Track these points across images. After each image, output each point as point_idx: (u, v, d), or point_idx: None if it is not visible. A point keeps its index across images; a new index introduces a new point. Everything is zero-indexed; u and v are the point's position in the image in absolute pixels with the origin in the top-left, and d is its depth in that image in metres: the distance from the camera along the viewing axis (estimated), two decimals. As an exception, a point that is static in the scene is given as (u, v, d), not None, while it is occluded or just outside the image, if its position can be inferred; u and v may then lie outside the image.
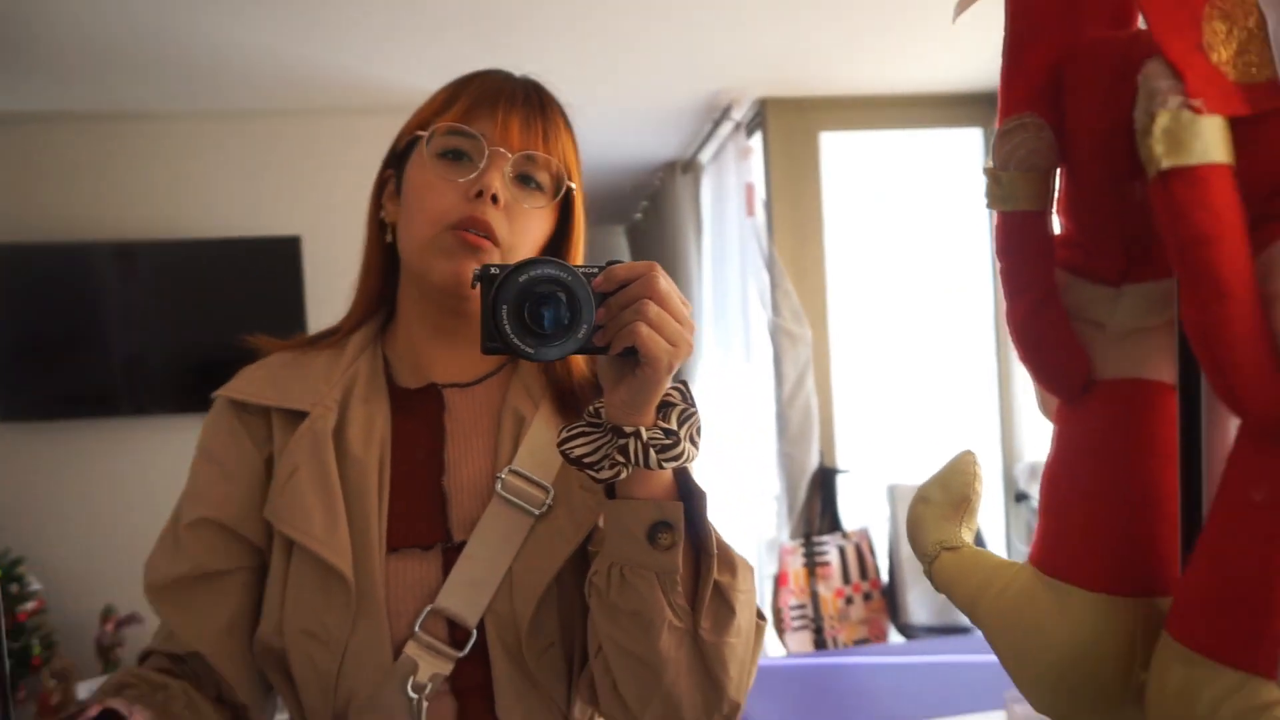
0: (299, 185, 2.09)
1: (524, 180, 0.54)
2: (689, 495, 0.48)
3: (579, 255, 0.58)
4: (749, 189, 2.05)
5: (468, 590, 0.53)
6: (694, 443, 0.48)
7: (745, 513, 2.21)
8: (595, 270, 0.45)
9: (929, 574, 0.43)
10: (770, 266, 2.02)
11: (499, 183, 0.52)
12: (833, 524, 2.04)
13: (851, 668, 1.56)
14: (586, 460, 0.46)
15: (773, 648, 1.90)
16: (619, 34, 1.60)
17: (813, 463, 2.06)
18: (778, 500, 2.14)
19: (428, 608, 0.51)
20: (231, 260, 2.03)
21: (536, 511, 0.53)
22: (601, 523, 0.50)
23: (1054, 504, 0.38)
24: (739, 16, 1.58)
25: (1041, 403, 0.43)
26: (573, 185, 0.55)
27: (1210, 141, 0.29)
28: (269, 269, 2.06)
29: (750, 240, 2.09)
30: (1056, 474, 0.39)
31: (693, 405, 0.50)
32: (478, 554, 0.53)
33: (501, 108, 0.53)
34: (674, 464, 0.46)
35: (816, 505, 2.06)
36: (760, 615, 0.53)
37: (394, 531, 0.53)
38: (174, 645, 0.54)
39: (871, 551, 2.00)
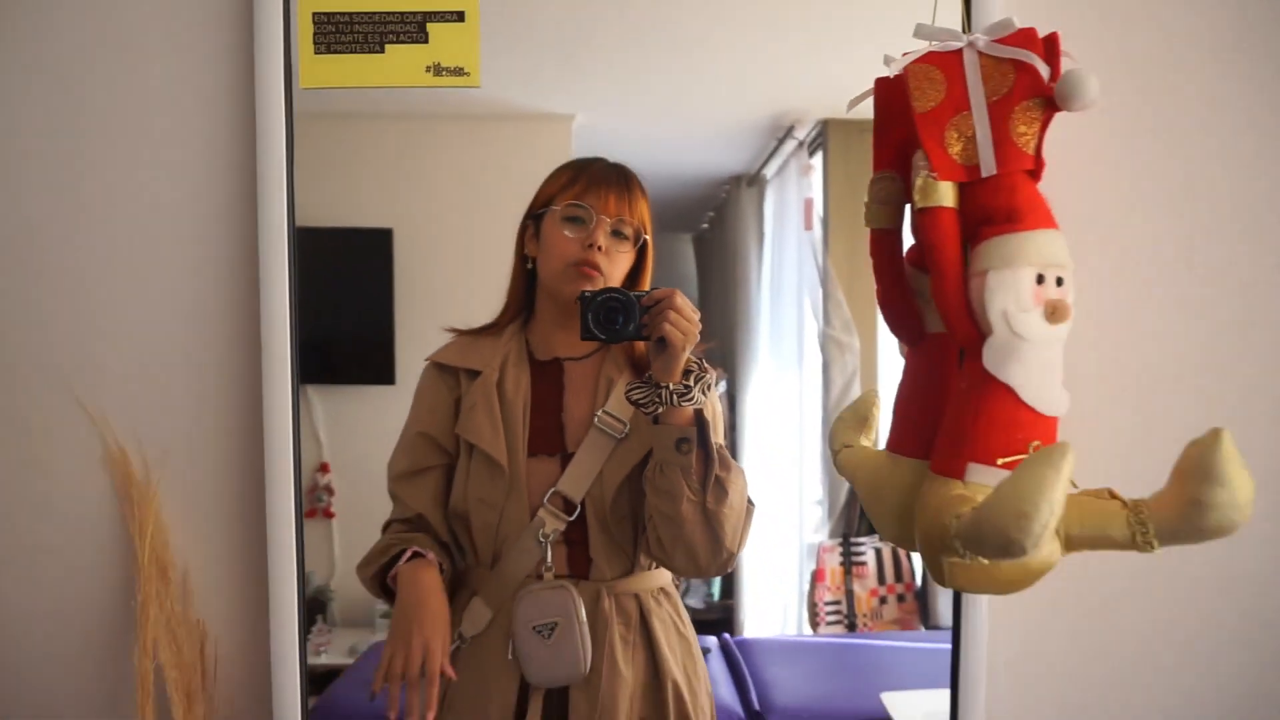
0: (393, 182, 2.47)
1: (617, 234, 1.02)
2: (701, 424, 0.94)
3: (648, 279, 1.06)
4: (808, 204, 2.35)
5: (575, 481, 1.00)
6: (703, 392, 0.91)
7: (791, 515, 2.48)
8: (642, 294, 0.94)
9: (835, 462, 0.76)
10: (824, 278, 2.31)
11: (602, 238, 1.00)
12: (871, 527, 2.30)
13: (878, 648, 1.83)
14: (641, 403, 0.94)
15: (804, 636, 2.17)
16: (693, 58, 1.94)
17: (855, 467, 2.32)
18: (820, 505, 2.41)
19: (551, 489, 0.99)
20: (329, 249, 2.41)
21: (618, 436, 1.00)
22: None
23: (896, 409, 0.71)
24: (805, 42, 1.90)
25: (899, 348, 0.76)
26: (647, 238, 1.04)
27: (943, 195, 0.61)
28: (362, 259, 2.44)
29: (807, 253, 2.39)
30: (900, 391, 0.71)
31: (704, 370, 0.98)
32: (582, 460, 1.00)
33: (603, 188, 1.02)
34: (690, 404, 0.93)
35: (857, 508, 2.33)
36: (750, 501, 1.01)
37: (532, 444, 1.01)
38: (405, 512, 1.03)
39: (908, 556, 2.24)
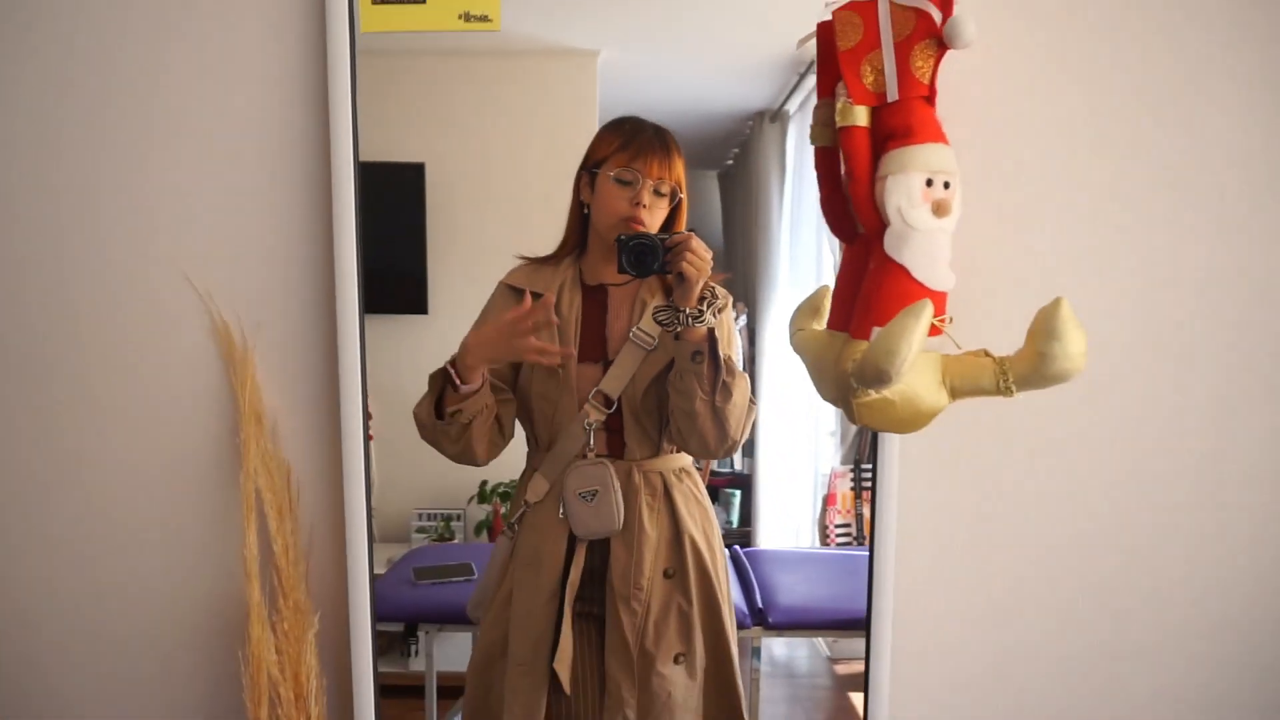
0: (425, 118, 2.64)
1: (657, 193, 1.32)
2: (712, 340, 1.25)
3: (681, 226, 1.35)
4: (827, 139, 2.51)
5: (614, 382, 1.32)
6: (714, 315, 1.26)
7: (805, 445, 2.69)
8: (665, 236, 1.24)
9: (791, 343, 0.97)
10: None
11: (646, 197, 1.30)
12: (881, 453, 2.50)
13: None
14: (664, 323, 1.27)
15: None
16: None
17: (867, 396, 2.52)
18: (833, 435, 2.61)
19: (595, 388, 1.31)
20: (365, 183, 2.60)
21: (648, 348, 1.32)
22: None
23: (835, 294, 0.91)
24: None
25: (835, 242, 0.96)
26: (682, 196, 1.34)
27: (857, 116, 0.82)
28: (395, 192, 2.64)
29: (827, 188, 2.55)
30: (838, 280, 0.92)
31: (716, 297, 1.28)
32: (619, 365, 1.32)
33: (648, 155, 1.32)
34: (703, 325, 1.24)
35: (867, 435, 2.53)
36: (751, 400, 1.34)
37: (581, 352, 1.33)
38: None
39: (915, 481, 2.45)
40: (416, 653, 1.66)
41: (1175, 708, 1.46)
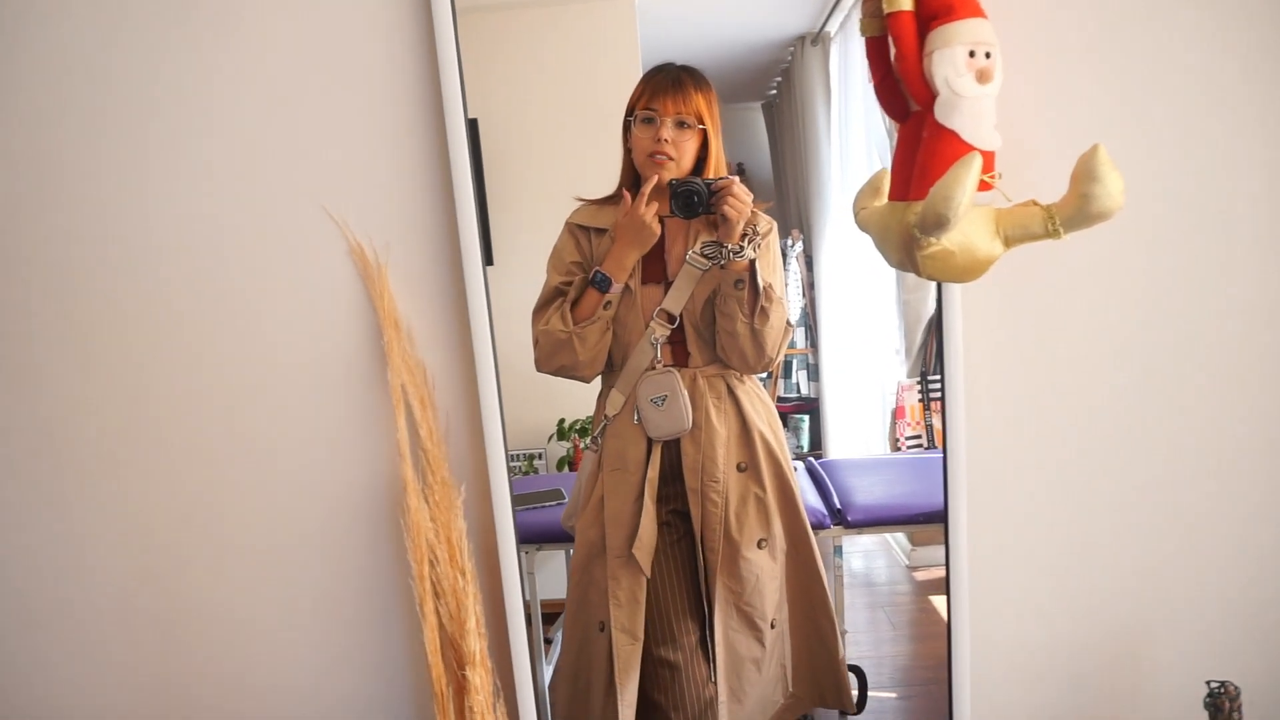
0: (472, 73, 2.77)
1: (679, 124, 1.49)
2: (753, 271, 1.46)
3: (713, 155, 1.53)
4: (870, 57, 2.60)
5: (675, 300, 1.51)
6: (754, 250, 1.46)
7: (870, 364, 2.81)
8: (711, 181, 1.46)
9: (856, 221, 1.11)
10: (889, 127, 2.58)
11: (666, 131, 1.48)
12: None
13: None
14: (710, 257, 1.48)
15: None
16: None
17: (929, 309, 2.62)
18: (897, 353, 2.72)
19: (658, 307, 1.51)
20: None
21: (703, 269, 1.50)
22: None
23: (893, 170, 1.05)
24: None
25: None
26: (704, 126, 1.50)
27: (903, 1, 0.94)
28: None
29: (873, 106, 2.65)
30: (895, 156, 1.06)
31: (756, 233, 1.48)
32: (678, 286, 1.52)
33: (662, 94, 1.49)
34: (741, 258, 1.46)
35: (932, 347, 2.64)
36: (789, 323, 1.56)
37: (645, 275, 1.53)
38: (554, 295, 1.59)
39: (982, 387, 2.55)
40: (520, 571, 1.85)
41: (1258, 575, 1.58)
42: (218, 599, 1.66)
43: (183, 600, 1.66)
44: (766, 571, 1.55)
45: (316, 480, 1.61)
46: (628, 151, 1.53)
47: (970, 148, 0.89)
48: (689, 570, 1.56)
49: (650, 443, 1.52)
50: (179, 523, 1.64)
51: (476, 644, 1.39)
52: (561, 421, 1.77)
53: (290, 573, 1.65)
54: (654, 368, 1.51)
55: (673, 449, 1.54)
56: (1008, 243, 0.92)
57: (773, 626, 1.58)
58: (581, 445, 1.73)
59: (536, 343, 1.53)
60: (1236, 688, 1.39)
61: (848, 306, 2.89)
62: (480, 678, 1.37)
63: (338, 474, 1.60)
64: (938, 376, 2.66)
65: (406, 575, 1.53)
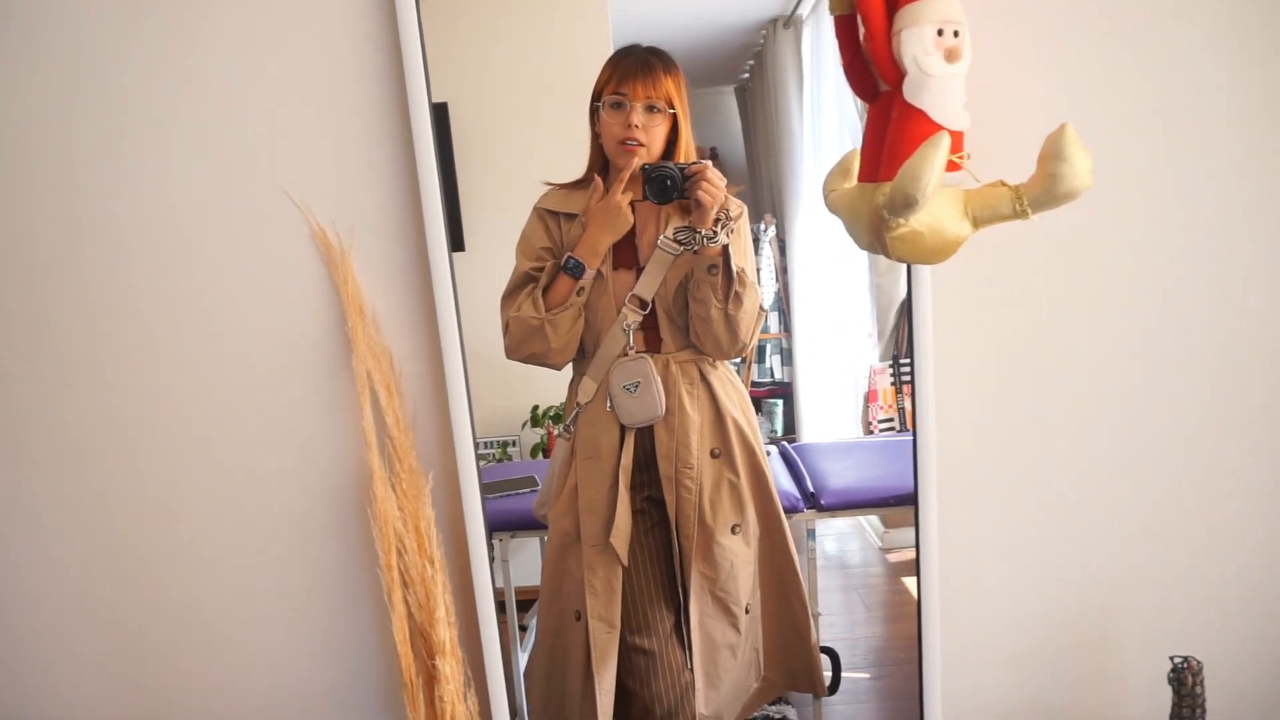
0: (448, 54, 2.72)
1: (649, 109, 1.46)
2: (726, 256, 1.43)
3: (683, 138, 1.50)
4: (842, 40, 2.59)
5: (647, 285, 1.49)
6: (727, 235, 1.44)
7: (841, 348, 2.81)
8: (684, 166, 1.43)
9: (826, 203, 1.10)
10: (860, 111, 2.57)
11: (637, 117, 1.45)
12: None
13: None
14: (684, 242, 1.46)
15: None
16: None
17: (901, 292, 2.63)
18: (869, 337, 2.73)
19: (630, 292, 1.49)
20: None
21: (675, 254, 1.48)
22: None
23: (863, 152, 1.04)
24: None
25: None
26: (674, 110, 1.47)
27: (872, -23, 0.92)
28: None
29: (845, 89, 2.64)
30: (864, 137, 1.04)
31: (729, 219, 1.46)
32: (651, 271, 1.49)
33: (631, 78, 1.46)
34: (715, 243, 1.43)
35: (904, 330, 2.65)
36: (761, 308, 1.53)
37: (616, 260, 1.51)
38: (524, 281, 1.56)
39: (954, 371, 2.56)
40: (493, 559, 1.84)
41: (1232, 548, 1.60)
42: (181, 592, 1.64)
43: (146, 593, 1.64)
44: (740, 557, 1.55)
45: (281, 470, 1.59)
46: (595, 136, 1.51)
47: (939, 127, 0.88)
48: (663, 557, 1.56)
49: (623, 430, 1.51)
50: (140, 513, 1.61)
51: (446, 633, 1.38)
52: (535, 408, 1.75)
53: (256, 563, 1.62)
54: (626, 354, 1.49)
55: (646, 436, 1.53)
56: (976, 224, 0.91)
57: (747, 612, 1.58)
58: (555, 432, 1.71)
59: (506, 329, 1.51)
60: (1199, 663, 1.40)
61: (820, 291, 2.90)
62: (450, 667, 1.36)
63: (303, 463, 1.58)
64: (909, 360, 2.67)
65: (374, 565, 1.51)
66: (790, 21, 2.96)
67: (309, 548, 1.61)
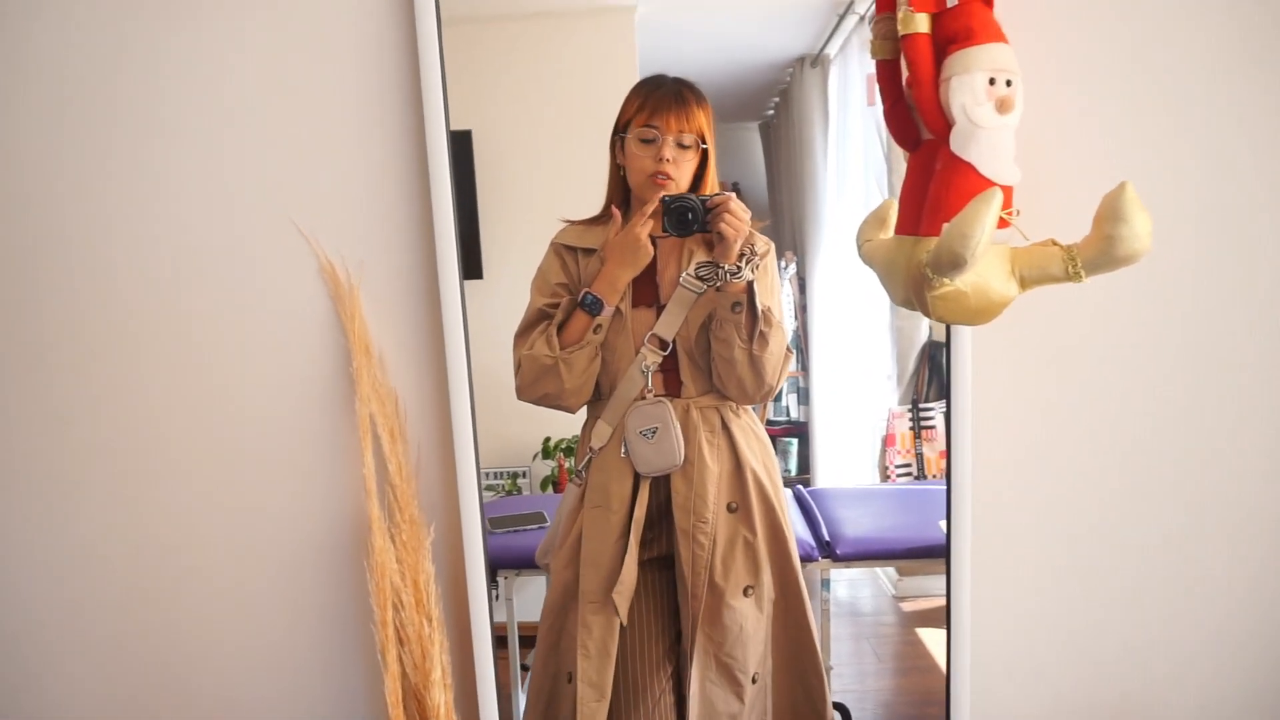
0: (467, 84, 2.71)
1: (680, 145, 1.39)
2: (750, 292, 1.35)
3: (710, 174, 1.44)
4: (870, 79, 2.55)
5: (667, 325, 1.41)
6: (751, 271, 1.35)
7: (861, 390, 2.75)
8: (706, 198, 1.36)
9: (860, 254, 1.04)
10: (887, 154, 2.52)
11: (668, 151, 1.39)
12: (939, 392, 2.55)
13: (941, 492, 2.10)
14: (705, 279, 1.38)
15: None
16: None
17: (922, 336, 2.57)
18: (889, 379, 2.67)
19: (650, 332, 1.41)
20: None
21: (697, 292, 1.40)
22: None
23: (901, 201, 0.98)
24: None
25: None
26: (705, 145, 1.42)
27: (919, 23, 0.88)
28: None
29: (871, 129, 2.60)
30: (904, 187, 0.99)
31: (754, 254, 1.37)
32: (672, 310, 1.41)
33: (665, 111, 1.40)
34: (739, 279, 1.35)
35: (925, 374, 2.58)
36: (789, 349, 1.45)
37: (635, 298, 1.43)
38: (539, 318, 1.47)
39: (975, 418, 2.49)
40: (497, 597, 1.77)
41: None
42: (167, 643, 1.57)
43: (131, 638, 1.57)
44: (751, 621, 1.45)
45: (276, 516, 1.52)
46: (618, 168, 1.44)
47: (988, 182, 0.83)
48: (666, 618, 1.46)
49: (637, 479, 1.42)
50: (129, 553, 1.55)
51: (441, 696, 1.31)
52: (547, 440, 1.69)
53: (244, 614, 1.55)
54: (644, 397, 1.40)
55: (662, 486, 1.44)
56: (1024, 284, 0.85)
57: (754, 681, 1.47)
58: (566, 466, 1.65)
59: (519, 369, 1.43)
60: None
61: (840, 330, 2.84)
62: (445, 734, 1.28)
63: (299, 509, 1.51)
64: (929, 404, 2.61)
65: (369, 620, 1.42)
66: (818, 61, 2.93)
67: (300, 598, 1.54)
